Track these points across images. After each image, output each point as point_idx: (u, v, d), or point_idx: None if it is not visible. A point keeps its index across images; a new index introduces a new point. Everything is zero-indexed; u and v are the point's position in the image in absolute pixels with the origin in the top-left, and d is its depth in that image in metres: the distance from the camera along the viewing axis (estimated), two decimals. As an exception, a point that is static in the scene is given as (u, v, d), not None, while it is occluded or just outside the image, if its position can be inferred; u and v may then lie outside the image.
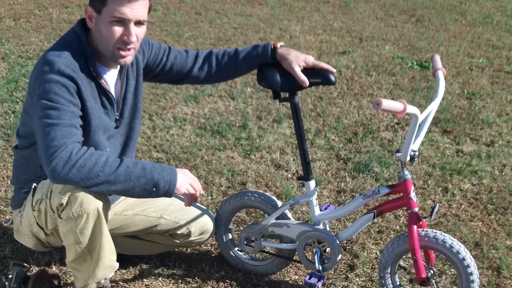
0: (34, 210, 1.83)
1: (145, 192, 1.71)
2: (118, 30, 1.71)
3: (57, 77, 1.66)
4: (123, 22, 1.70)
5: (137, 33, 1.75)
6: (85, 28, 1.79)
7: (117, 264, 1.93)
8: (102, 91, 1.82)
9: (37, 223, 1.86)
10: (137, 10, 1.70)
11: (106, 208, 1.78)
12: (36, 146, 1.79)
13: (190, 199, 1.82)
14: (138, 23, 1.74)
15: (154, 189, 1.71)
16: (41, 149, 1.66)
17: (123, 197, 2.10)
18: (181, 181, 1.76)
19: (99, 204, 1.73)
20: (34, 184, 1.85)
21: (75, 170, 1.62)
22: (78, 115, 1.72)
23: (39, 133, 1.67)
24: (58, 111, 1.65)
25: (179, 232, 2.17)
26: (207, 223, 2.21)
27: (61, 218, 1.74)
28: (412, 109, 1.56)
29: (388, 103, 1.47)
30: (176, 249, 2.41)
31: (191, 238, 2.20)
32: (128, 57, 1.78)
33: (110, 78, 1.87)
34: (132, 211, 2.10)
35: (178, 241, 2.22)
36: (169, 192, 1.74)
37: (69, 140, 1.64)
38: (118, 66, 1.89)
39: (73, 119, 1.69)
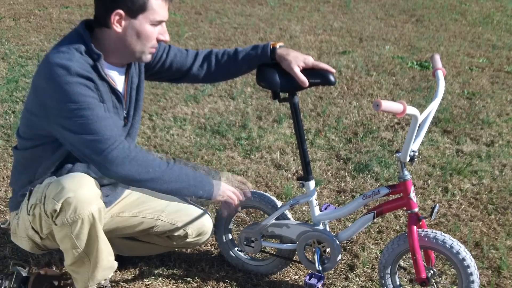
0: (29, 214, 1.82)
1: (184, 195, 1.87)
2: (155, 31, 1.77)
3: (77, 79, 1.65)
4: (160, 23, 1.78)
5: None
6: (89, 29, 1.78)
7: (116, 264, 1.93)
8: (112, 91, 1.82)
9: (32, 227, 1.85)
10: (167, 10, 1.79)
11: (101, 211, 1.77)
12: (37, 148, 1.80)
13: (227, 208, 2.01)
14: None
15: (193, 195, 1.85)
16: (85, 148, 1.69)
17: (119, 199, 2.10)
18: (219, 193, 1.91)
19: (93, 209, 1.73)
20: (31, 187, 1.84)
21: (128, 163, 1.70)
22: (107, 110, 1.75)
23: (77, 136, 1.68)
24: (91, 110, 1.66)
25: (176, 233, 2.16)
26: (204, 224, 2.19)
27: (56, 224, 1.74)
28: (411, 110, 1.56)
29: (387, 104, 1.47)
30: (176, 249, 2.41)
31: (188, 240, 2.19)
32: (152, 53, 1.85)
33: (118, 77, 1.87)
34: (128, 212, 2.09)
35: (175, 243, 2.21)
36: (207, 198, 1.89)
37: (115, 134, 1.70)
38: (126, 65, 1.90)
39: (106, 113, 1.72)
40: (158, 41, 1.80)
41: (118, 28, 1.73)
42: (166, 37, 1.81)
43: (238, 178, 2.07)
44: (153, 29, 1.76)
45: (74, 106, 1.65)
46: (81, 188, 1.71)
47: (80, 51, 1.70)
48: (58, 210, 1.70)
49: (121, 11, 1.70)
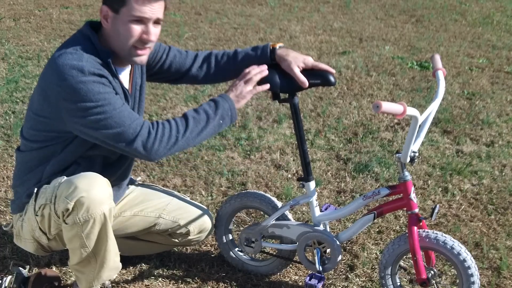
0: (37, 215, 1.81)
1: (216, 130, 1.84)
2: (137, 28, 1.73)
3: (91, 77, 1.66)
4: (142, 21, 1.73)
5: (155, 32, 1.78)
6: (95, 30, 1.78)
7: (121, 265, 1.93)
8: (121, 89, 1.83)
9: (40, 228, 1.85)
10: (156, 10, 1.74)
11: (111, 211, 1.78)
12: (46, 148, 1.80)
13: (265, 86, 1.93)
14: (156, 22, 1.77)
15: (222, 122, 1.83)
16: (111, 141, 1.71)
17: (120, 198, 2.11)
18: (241, 103, 1.88)
19: (105, 209, 1.73)
20: (36, 188, 1.84)
21: (158, 142, 1.72)
22: (124, 101, 1.77)
23: (99, 132, 1.69)
24: (109, 105, 1.68)
25: (178, 231, 2.17)
26: (205, 221, 2.21)
27: (66, 223, 1.74)
28: (412, 111, 1.56)
29: (387, 106, 1.46)
30: (176, 249, 2.41)
31: (190, 237, 2.20)
32: (144, 56, 1.81)
33: (124, 77, 1.88)
34: (130, 212, 2.09)
35: (177, 240, 2.22)
36: (233, 117, 1.86)
37: (137, 120, 1.72)
38: (130, 66, 1.89)
39: (122, 101, 1.73)
40: (142, 40, 1.75)
41: (105, 24, 1.74)
42: (150, 37, 1.75)
43: (244, 72, 1.93)
44: (134, 25, 1.71)
45: (92, 104, 1.66)
46: (94, 188, 1.71)
47: (87, 52, 1.70)
48: (70, 209, 1.70)
49: (105, 7, 1.71)
